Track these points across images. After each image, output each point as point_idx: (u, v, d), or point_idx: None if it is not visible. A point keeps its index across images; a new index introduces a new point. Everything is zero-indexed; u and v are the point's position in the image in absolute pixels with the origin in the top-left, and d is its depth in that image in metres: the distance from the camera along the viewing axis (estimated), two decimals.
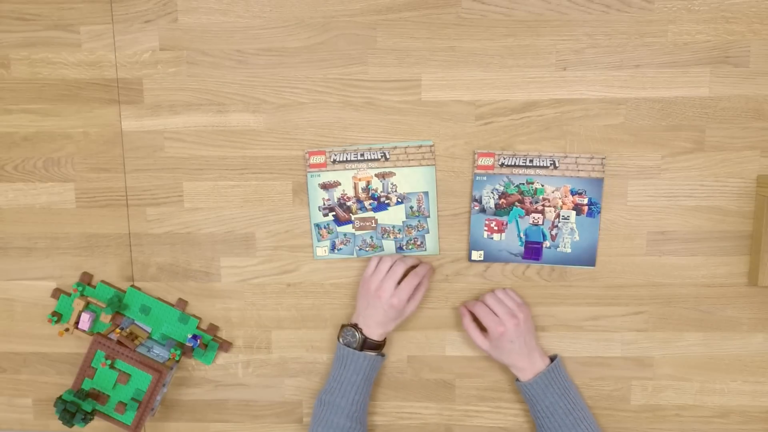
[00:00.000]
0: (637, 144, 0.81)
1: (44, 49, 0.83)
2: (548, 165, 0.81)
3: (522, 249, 0.83)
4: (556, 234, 0.82)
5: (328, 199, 0.83)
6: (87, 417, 0.81)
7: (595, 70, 0.80)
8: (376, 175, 0.82)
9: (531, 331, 0.81)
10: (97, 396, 0.84)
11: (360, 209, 0.83)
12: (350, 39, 0.81)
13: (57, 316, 0.87)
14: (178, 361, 0.87)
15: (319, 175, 0.82)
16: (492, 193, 0.82)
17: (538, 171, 0.81)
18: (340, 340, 0.81)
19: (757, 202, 0.80)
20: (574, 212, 0.82)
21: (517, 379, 0.81)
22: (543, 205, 0.82)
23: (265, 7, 0.81)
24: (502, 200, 0.82)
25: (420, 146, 0.81)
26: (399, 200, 0.82)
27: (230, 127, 0.83)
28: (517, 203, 0.82)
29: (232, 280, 0.86)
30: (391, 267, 0.79)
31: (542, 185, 0.81)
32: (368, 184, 0.82)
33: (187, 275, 0.87)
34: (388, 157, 0.81)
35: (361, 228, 0.83)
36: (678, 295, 0.84)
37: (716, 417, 0.86)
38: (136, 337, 0.86)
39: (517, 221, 0.82)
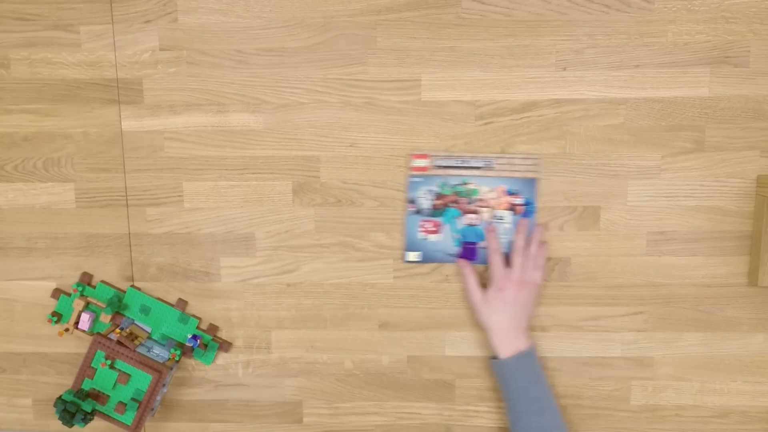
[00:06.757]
0: (637, 144, 0.81)
1: (44, 49, 0.83)
2: (483, 166, 0.81)
3: (458, 249, 0.83)
4: None
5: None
6: (87, 417, 0.81)
7: (595, 70, 0.80)
8: None
9: (528, 308, 0.81)
10: (97, 396, 0.84)
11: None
12: (350, 39, 0.81)
13: (57, 316, 0.87)
14: (178, 361, 0.87)
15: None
16: (427, 194, 0.82)
17: (473, 172, 0.81)
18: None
19: (757, 202, 0.80)
20: (509, 212, 0.82)
21: (493, 357, 0.81)
22: (478, 206, 0.82)
23: (265, 7, 0.81)
24: (438, 201, 0.82)
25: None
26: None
27: (230, 127, 0.83)
28: (452, 204, 0.82)
29: (232, 280, 0.86)
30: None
31: (478, 186, 0.82)
32: None
33: (187, 275, 0.87)
34: None
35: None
36: (678, 295, 0.84)
37: (716, 417, 0.86)
38: (136, 337, 0.86)
39: (452, 222, 0.82)
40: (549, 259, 0.83)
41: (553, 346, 0.86)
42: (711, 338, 0.84)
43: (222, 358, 0.89)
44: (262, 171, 0.84)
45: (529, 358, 0.78)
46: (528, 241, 0.81)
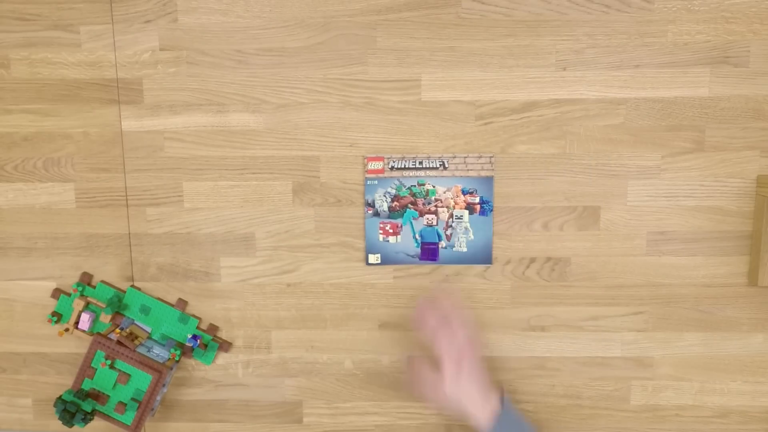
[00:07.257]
0: (637, 144, 0.81)
1: (44, 49, 0.83)
2: (437, 166, 0.81)
3: (419, 250, 0.83)
4: (451, 234, 0.83)
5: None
6: (87, 417, 0.81)
7: (595, 70, 0.80)
8: None
9: (481, 368, 0.77)
10: (97, 396, 0.84)
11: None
12: (350, 39, 0.81)
13: (57, 316, 0.87)
14: (178, 361, 0.87)
15: None
16: (384, 196, 0.82)
17: (428, 172, 0.82)
18: None
19: (757, 202, 0.80)
20: (467, 211, 0.82)
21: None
22: (436, 206, 0.82)
23: (265, 7, 0.81)
24: (395, 203, 0.82)
25: None
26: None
27: (230, 127, 0.83)
28: (410, 205, 0.82)
29: (232, 280, 0.86)
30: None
31: (433, 186, 0.82)
32: None
33: (187, 275, 0.87)
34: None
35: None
36: (678, 295, 0.84)
37: (716, 417, 0.86)
38: (136, 337, 0.86)
39: (411, 223, 0.83)
40: (549, 258, 0.84)
41: (553, 346, 0.86)
42: (711, 338, 0.84)
43: (222, 358, 0.89)
44: (262, 171, 0.84)
45: (506, 413, 0.76)
46: (447, 321, 0.78)
